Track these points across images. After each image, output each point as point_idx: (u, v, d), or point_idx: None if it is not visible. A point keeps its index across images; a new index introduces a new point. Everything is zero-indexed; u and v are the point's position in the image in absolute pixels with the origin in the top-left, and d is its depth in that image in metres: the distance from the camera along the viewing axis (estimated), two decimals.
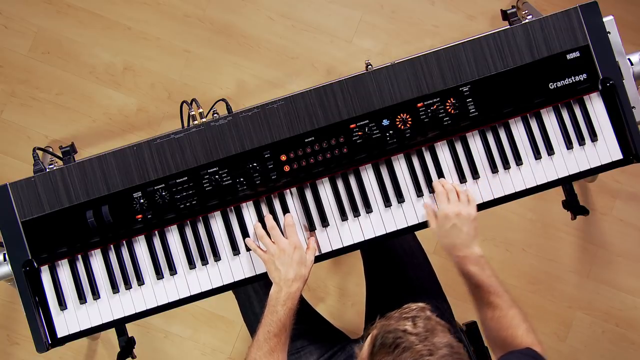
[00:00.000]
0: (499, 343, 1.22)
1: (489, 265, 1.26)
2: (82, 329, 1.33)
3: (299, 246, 1.28)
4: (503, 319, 1.21)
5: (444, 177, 1.35)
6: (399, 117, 1.34)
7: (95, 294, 1.33)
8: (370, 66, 1.37)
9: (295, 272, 1.25)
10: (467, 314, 2.14)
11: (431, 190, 1.35)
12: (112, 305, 1.33)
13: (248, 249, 1.34)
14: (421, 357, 0.92)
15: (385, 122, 1.34)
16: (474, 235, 1.27)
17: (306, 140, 1.33)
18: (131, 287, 1.34)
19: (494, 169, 1.36)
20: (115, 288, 1.33)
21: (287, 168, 1.33)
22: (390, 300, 1.48)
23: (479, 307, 1.27)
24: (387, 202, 1.35)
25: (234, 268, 1.34)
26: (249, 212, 1.35)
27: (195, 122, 1.36)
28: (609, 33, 1.36)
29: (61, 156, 1.41)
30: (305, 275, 1.27)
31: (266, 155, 1.33)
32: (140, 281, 1.33)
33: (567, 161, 1.36)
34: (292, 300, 1.24)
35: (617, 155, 1.36)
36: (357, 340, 1.48)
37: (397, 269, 1.50)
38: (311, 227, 1.34)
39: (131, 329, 1.50)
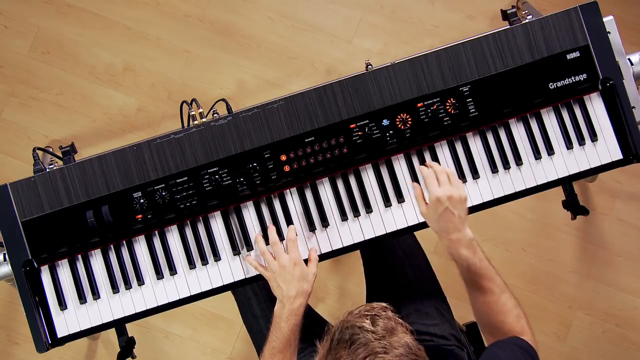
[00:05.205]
0: (489, 328, 1.21)
1: (481, 248, 1.23)
2: (82, 329, 1.33)
3: (299, 262, 1.26)
4: (494, 305, 1.20)
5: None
6: (399, 117, 1.33)
7: (95, 294, 1.33)
8: (370, 66, 1.37)
9: (296, 288, 1.24)
10: (467, 314, 2.13)
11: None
12: (112, 305, 1.33)
13: (248, 250, 1.34)
14: (376, 354, 0.92)
15: (385, 122, 1.33)
16: (465, 218, 1.24)
17: (306, 140, 1.33)
18: (131, 287, 1.34)
19: (494, 169, 1.36)
20: (115, 288, 1.33)
21: (287, 168, 1.33)
22: (390, 300, 1.48)
23: (470, 290, 1.24)
24: (387, 202, 1.35)
25: (234, 268, 1.34)
26: (249, 212, 1.35)
27: (195, 122, 1.36)
28: (609, 33, 1.36)
29: (61, 156, 1.41)
30: (307, 291, 1.26)
31: (266, 155, 1.33)
32: (140, 281, 1.33)
33: (567, 161, 1.36)
34: (295, 317, 1.23)
35: (617, 155, 1.36)
36: None
37: (396, 269, 1.50)
38: (311, 227, 1.34)
39: (131, 329, 1.49)
